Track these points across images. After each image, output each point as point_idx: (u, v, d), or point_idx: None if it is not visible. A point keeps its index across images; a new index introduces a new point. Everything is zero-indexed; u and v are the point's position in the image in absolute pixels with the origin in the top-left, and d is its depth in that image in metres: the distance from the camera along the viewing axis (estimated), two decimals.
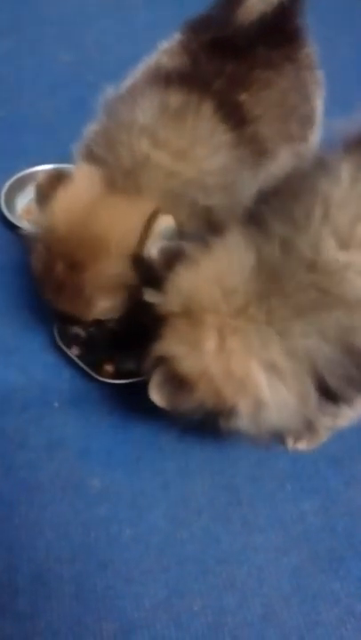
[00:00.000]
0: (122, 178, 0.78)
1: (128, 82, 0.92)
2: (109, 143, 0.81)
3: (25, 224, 1.10)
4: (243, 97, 0.87)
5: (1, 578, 0.72)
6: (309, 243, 0.60)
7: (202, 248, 0.65)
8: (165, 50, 0.95)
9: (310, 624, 0.69)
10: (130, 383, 0.87)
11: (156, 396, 0.65)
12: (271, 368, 0.61)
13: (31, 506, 0.78)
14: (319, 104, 0.99)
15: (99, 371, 0.88)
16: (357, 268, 0.59)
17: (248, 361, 0.61)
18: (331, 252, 0.59)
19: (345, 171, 0.61)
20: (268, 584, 0.72)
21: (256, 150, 0.85)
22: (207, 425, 0.65)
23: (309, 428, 0.71)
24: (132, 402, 0.88)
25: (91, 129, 0.87)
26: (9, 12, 1.66)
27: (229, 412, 0.63)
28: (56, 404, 0.88)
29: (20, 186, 1.15)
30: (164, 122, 0.80)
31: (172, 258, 0.66)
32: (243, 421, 0.63)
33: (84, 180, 0.80)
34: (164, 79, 0.86)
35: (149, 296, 0.66)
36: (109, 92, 0.88)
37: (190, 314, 0.63)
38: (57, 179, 0.80)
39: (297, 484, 0.81)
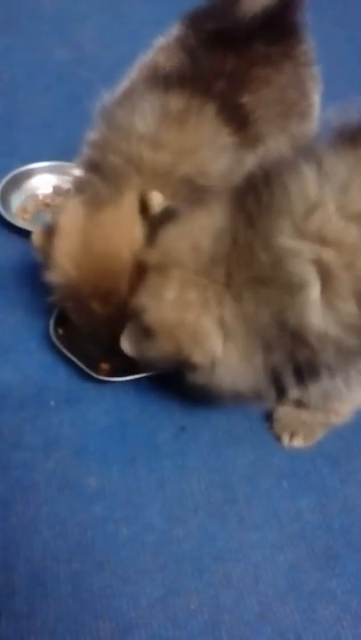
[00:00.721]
0: (108, 186, 0.78)
1: (125, 83, 0.91)
2: (108, 151, 0.81)
3: (20, 222, 1.10)
4: (244, 98, 0.87)
5: None
6: (267, 225, 0.63)
7: (190, 208, 0.70)
8: (162, 47, 0.94)
9: (307, 622, 0.69)
10: (126, 381, 0.87)
11: (126, 344, 0.72)
12: (224, 326, 0.66)
13: (27, 505, 0.78)
14: (316, 100, 0.99)
15: (95, 369, 0.88)
16: (300, 257, 0.62)
17: (203, 315, 0.66)
18: (281, 238, 0.62)
19: (309, 167, 0.63)
20: (265, 582, 0.72)
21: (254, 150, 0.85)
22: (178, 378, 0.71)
23: (260, 399, 0.73)
24: (128, 401, 0.88)
25: (90, 137, 0.86)
26: (5, 9, 1.66)
27: (187, 364, 0.68)
28: (52, 403, 0.88)
29: (14, 184, 1.15)
30: (166, 127, 0.80)
31: (168, 216, 0.71)
32: (201, 375, 0.69)
33: (70, 217, 0.79)
34: (164, 81, 0.85)
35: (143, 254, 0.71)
36: (106, 96, 0.88)
37: (162, 267, 0.68)
38: (48, 234, 0.80)
39: (293, 481, 0.81)
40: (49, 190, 1.17)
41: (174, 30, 0.96)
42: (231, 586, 0.72)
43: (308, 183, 0.62)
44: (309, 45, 0.98)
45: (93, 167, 0.82)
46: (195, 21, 0.94)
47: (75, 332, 0.87)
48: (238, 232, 0.65)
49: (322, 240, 0.61)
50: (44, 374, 0.91)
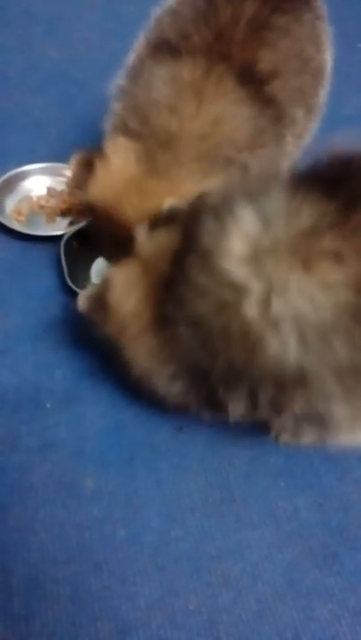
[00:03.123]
0: (159, 151, 0.80)
1: (132, 57, 0.90)
2: (142, 117, 0.82)
3: (15, 224, 1.10)
4: (262, 52, 0.85)
5: None
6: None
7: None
8: (166, 10, 0.91)
9: (305, 620, 0.70)
10: None
11: (82, 299, 0.78)
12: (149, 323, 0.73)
13: (24, 508, 0.78)
14: (329, 57, 0.96)
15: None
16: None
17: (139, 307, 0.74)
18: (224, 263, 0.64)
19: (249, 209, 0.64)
20: (263, 580, 0.72)
21: (276, 116, 0.86)
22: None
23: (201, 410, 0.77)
24: (125, 402, 0.88)
25: (118, 105, 0.87)
26: (1, 9, 1.65)
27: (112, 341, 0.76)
28: (48, 405, 0.88)
29: (8, 186, 1.15)
30: (186, 96, 0.81)
31: (167, 220, 0.75)
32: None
33: (120, 156, 0.81)
34: (170, 51, 0.84)
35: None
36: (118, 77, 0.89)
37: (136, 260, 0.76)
38: (87, 163, 0.81)
39: (291, 480, 0.81)
40: (43, 192, 1.16)
41: None
42: (229, 585, 0.72)
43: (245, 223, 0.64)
44: None
45: (128, 131, 0.83)
46: None
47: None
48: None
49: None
50: (40, 376, 0.91)
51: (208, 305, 0.65)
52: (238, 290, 0.63)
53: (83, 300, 0.78)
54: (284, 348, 0.62)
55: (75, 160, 0.84)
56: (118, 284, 0.75)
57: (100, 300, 0.76)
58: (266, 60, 0.85)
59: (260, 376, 0.65)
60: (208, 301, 0.65)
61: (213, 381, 0.68)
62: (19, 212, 1.13)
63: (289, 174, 0.67)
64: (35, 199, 1.16)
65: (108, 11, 1.69)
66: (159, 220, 0.75)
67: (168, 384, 0.74)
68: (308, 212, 0.61)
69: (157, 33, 0.90)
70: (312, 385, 0.63)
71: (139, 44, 0.92)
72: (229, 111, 0.82)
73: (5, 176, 1.15)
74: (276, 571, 0.73)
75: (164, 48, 0.86)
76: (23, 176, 1.17)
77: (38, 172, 1.17)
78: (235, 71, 0.83)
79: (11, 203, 1.14)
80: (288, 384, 0.65)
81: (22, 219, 1.13)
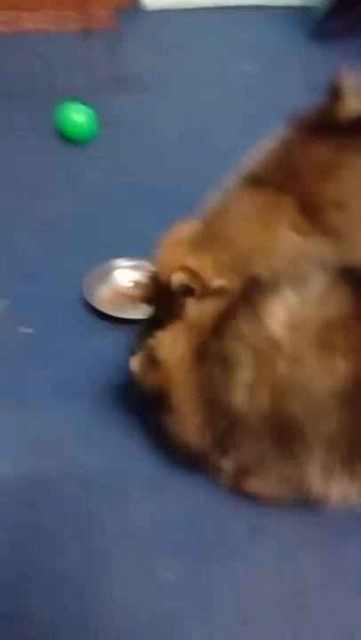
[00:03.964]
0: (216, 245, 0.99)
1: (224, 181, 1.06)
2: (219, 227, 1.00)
3: (107, 311, 1.23)
4: (327, 185, 0.97)
5: None
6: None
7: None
8: (260, 146, 1.06)
9: None
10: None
11: (134, 362, 0.88)
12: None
13: (105, 590, 0.80)
14: None
15: None
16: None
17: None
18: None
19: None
20: None
21: (335, 241, 0.96)
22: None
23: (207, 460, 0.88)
24: (202, 497, 0.92)
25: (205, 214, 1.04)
26: (117, 145, 1.91)
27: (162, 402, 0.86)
28: (133, 493, 0.93)
29: (100, 277, 1.30)
30: (249, 222, 0.97)
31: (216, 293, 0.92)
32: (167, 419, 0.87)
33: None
34: (250, 179, 1.01)
35: None
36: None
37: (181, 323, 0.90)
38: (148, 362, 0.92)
39: None
40: (129, 284, 1.30)
41: (277, 130, 1.07)
42: None
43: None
44: None
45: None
46: (296, 120, 1.06)
47: None
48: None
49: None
50: (127, 463, 0.97)
51: (243, 349, 0.79)
52: (274, 344, 0.77)
53: (134, 361, 0.88)
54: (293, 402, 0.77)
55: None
56: (166, 341, 0.86)
57: (150, 358, 0.86)
58: (329, 194, 0.97)
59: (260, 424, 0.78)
60: (244, 346, 0.78)
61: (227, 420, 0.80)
62: (110, 302, 1.27)
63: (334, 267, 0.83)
64: (121, 289, 1.30)
65: (204, 143, 1.92)
66: (207, 294, 0.90)
67: (197, 430, 0.84)
68: (335, 305, 0.77)
69: (249, 166, 1.06)
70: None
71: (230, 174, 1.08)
72: (283, 235, 0.95)
73: (96, 269, 1.31)
74: None
75: (250, 178, 1.02)
76: (112, 269, 1.33)
77: (126, 266, 1.34)
78: (298, 202, 0.96)
79: (101, 292, 1.29)
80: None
81: (112, 307, 1.25)
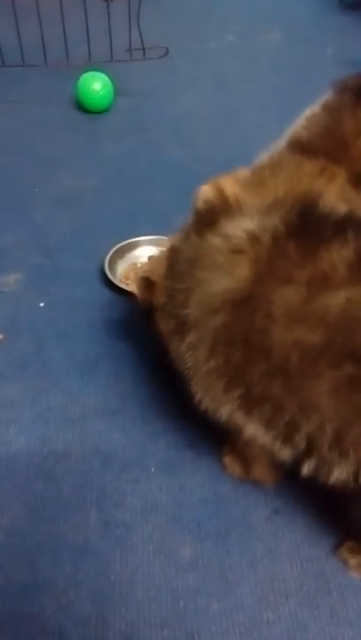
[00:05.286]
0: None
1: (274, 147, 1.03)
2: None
3: (124, 286, 1.22)
4: None
5: (95, 630, 0.74)
6: None
7: None
8: (308, 114, 1.03)
9: None
10: None
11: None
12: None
13: (125, 565, 0.81)
14: None
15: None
16: None
17: None
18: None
19: None
20: None
21: None
22: None
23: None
24: (222, 475, 0.92)
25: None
26: (137, 116, 1.88)
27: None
28: (152, 470, 0.93)
29: (120, 253, 1.30)
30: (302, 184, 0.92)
31: None
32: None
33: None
34: (301, 148, 0.98)
35: None
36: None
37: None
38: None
39: None
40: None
41: (324, 97, 1.04)
42: None
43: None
44: None
45: None
46: (342, 87, 1.03)
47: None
48: None
49: None
50: (147, 440, 0.97)
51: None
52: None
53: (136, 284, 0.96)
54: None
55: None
56: (155, 264, 0.93)
57: (147, 280, 0.92)
58: None
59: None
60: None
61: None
62: (126, 277, 1.26)
63: None
64: (139, 266, 1.28)
65: (229, 118, 1.88)
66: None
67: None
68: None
69: (294, 132, 1.04)
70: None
71: (279, 141, 1.05)
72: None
73: (118, 246, 1.30)
74: None
75: (296, 145, 0.99)
76: (134, 246, 1.31)
77: (146, 242, 1.32)
78: (347, 173, 0.94)
79: (120, 268, 1.28)
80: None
81: (130, 282, 1.24)
